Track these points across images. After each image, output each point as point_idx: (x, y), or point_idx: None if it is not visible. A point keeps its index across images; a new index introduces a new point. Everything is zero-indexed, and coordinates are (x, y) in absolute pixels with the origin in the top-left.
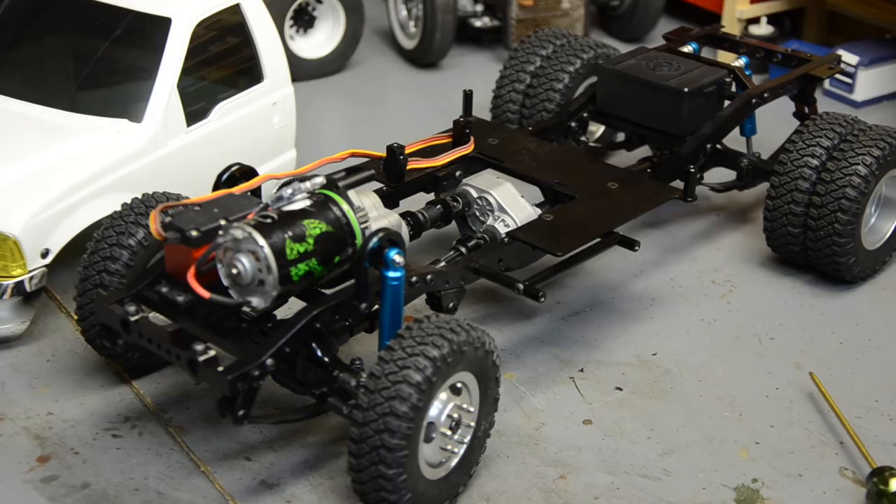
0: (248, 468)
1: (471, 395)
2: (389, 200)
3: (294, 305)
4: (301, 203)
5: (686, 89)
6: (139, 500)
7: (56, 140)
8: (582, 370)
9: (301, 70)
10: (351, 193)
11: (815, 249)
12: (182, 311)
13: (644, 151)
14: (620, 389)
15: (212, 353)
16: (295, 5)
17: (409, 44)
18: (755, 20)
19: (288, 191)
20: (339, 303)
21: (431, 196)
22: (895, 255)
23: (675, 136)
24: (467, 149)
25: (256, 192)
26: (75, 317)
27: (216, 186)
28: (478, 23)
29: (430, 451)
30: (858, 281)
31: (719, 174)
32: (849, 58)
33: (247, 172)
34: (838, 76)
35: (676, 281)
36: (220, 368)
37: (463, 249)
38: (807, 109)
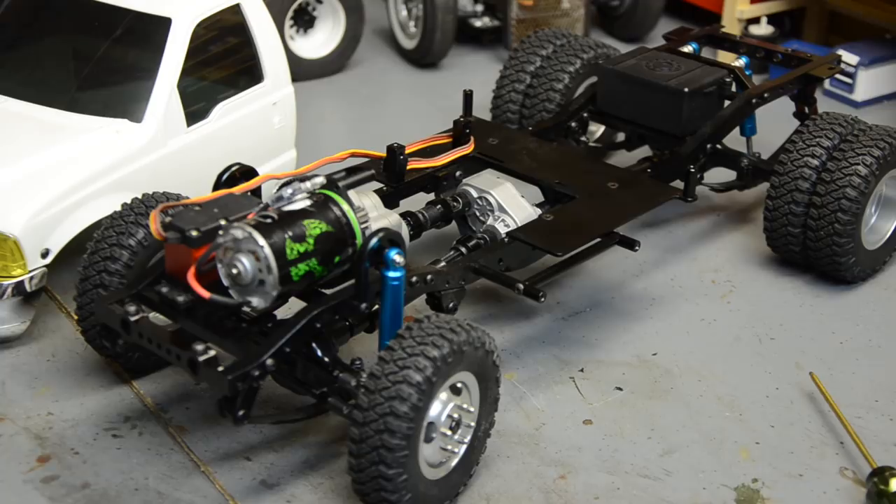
0: (248, 468)
1: (471, 395)
2: (389, 200)
3: (294, 305)
4: (301, 203)
5: (686, 89)
6: (139, 500)
7: (56, 140)
8: (582, 370)
9: (301, 70)
10: (351, 193)
11: (815, 249)
12: (182, 311)
13: (644, 151)
14: (620, 389)
15: (212, 353)
16: (295, 5)
17: (409, 44)
18: (755, 20)
19: (288, 191)
20: (339, 303)
21: (431, 196)
22: (895, 255)
23: (675, 136)
24: (467, 149)
25: (256, 192)
26: (75, 317)
27: (216, 186)
28: (478, 23)
29: (430, 451)
30: (858, 281)
31: (719, 174)
32: (849, 58)
33: (247, 172)
34: (838, 76)
35: (676, 281)
36: (220, 368)
37: (463, 249)
38: (807, 109)
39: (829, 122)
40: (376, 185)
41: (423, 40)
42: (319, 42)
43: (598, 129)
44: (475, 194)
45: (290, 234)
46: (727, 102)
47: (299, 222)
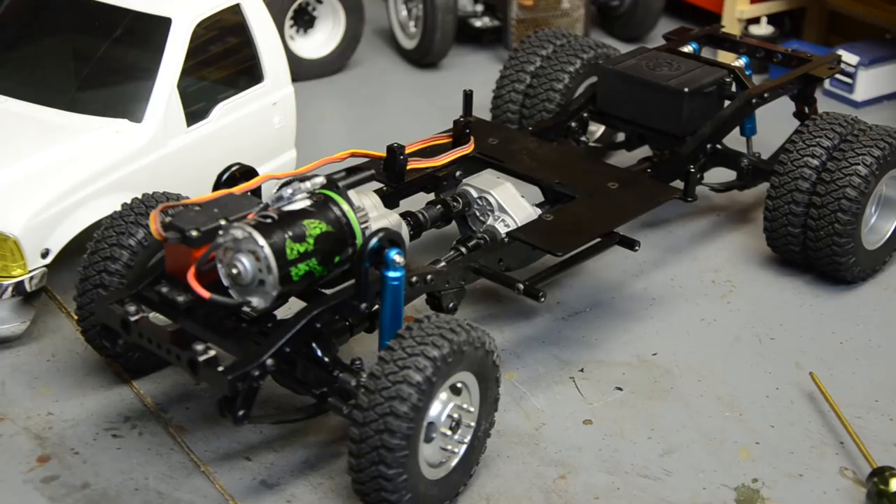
0: (248, 468)
1: (471, 395)
2: (389, 200)
3: (294, 305)
4: (301, 203)
5: (686, 89)
6: (139, 500)
7: (56, 140)
8: (582, 370)
9: (301, 70)
10: (351, 193)
11: (815, 249)
12: (182, 311)
13: (644, 151)
14: (620, 389)
15: (212, 353)
16: (295, 5)
17: (409, 44)
18: (755, 20)
19: (288, 191)
20: (339, 303)
21: (431, 196)
22: (895, 255)
23: (675, 136)
24: (467, 149)
25: (256, 192)
26: (75, 317)
27: (216, 186)
28: (478, 23)
29: (430, 451)
30: (858, 281)
31: (719, 174)
32: (849, 58)
33: (247, 172)
34: (838, 76)
35: (676, 281)
36: (220, 368)
37: (463, 249)
38: (807, 109)
39: (829, 122)
40: (376, 185)
41: (423, 40)
42: (319, 42)
43: (598, 129)
44: (475, 194)
45: (290, 234)
46: (727, 102)
47: (299, 222)
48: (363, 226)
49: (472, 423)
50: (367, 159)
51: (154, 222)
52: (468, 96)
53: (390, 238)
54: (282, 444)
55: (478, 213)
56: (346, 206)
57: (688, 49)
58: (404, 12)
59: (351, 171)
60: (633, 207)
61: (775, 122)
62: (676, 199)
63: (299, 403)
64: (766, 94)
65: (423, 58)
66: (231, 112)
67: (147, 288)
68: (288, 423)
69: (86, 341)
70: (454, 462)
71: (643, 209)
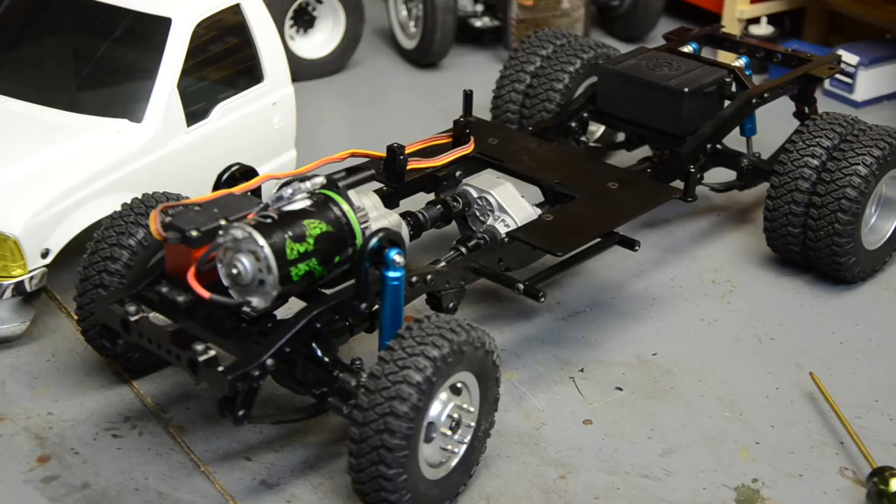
0: (248, 468)
1: (471, 395)
2: (389, 200)
3: (294, 305)
4: (301, 203)
5: (686, 89)
6: (139, 500)
7: (56, 140)
8: (582, 370)
9: (301, 70)
10: (351, 193)
11: (815, 249)
12: (182, 311)
13: (644, 151)
14: (620, 389)
15: (212, 353)
16: (295, 5)
17: (409, 44)
18: (755, 20)
19: (288, 191)
20: (339, 303)
21: (431, 196)
22: (895, 255)
23: (675, 136)
24: (467, 149)
25: (256, 192)
26: (75, 317)
27: (216, 186)
28: (478, 23)
29: (430, 451)
30: (858, 281)
31: (719, 174)
32: (849, 58)
33: (247, 172)
34: (838, 76)
35: (676, 281)
36: (220, 368)
37: (463, 249)
38: (807, 109)
39: (829, 122)
40: (376, 185)
41: (423, 40)
42: (319, 42)
43: (598, 129)
44: (475, 194)
45: (290, 234)
46: (727, 102)
47: (299, 222)
48: (363, 226)
49: (472, 423)
50: (367, 159)
51: (154, 222)
52: (468, 96)
53: (390, 238)
54: (282, 444)
55: (478, 213)
56: (346, 206)
57: (688, 49)
58: (404, 12)
59: (351, 171)
60: (633, 207)
61: (775, 122)
62: (676, 199)
63: (299, 403)
64: (766, 94)
65: (423, 58)
66: (231, 112)
67: (147, 288)
68: (288, 423)
69: (86, 341)
70: (454, 462)
71: (643, 209)
